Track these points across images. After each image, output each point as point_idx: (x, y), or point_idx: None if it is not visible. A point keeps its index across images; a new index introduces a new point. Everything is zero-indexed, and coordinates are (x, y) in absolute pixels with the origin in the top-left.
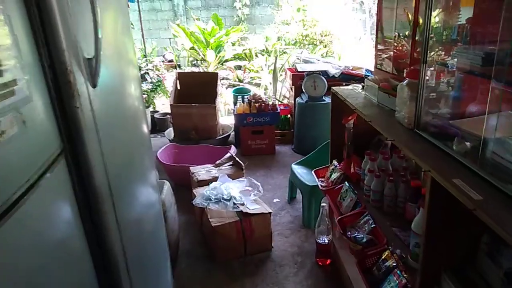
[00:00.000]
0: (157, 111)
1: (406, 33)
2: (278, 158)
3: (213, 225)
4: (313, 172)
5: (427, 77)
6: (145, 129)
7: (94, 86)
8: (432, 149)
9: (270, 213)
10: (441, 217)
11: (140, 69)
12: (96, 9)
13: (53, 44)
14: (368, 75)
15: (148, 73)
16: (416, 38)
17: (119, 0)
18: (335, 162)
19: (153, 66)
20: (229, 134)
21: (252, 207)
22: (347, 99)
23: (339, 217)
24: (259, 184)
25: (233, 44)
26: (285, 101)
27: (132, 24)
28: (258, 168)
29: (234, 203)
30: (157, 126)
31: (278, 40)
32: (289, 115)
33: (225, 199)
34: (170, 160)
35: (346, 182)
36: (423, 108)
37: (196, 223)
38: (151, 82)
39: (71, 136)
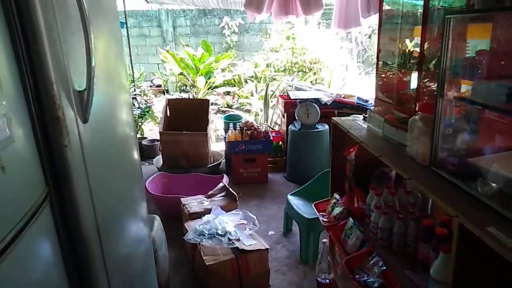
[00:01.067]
0: (145, 138)
1: (407, 64)
2: (271, 186)
3: (207, 263)
4: (313, 205)
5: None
6: (136, 157)
7: (85, 121)
8: (453, 189)
9: (267, 249)
10: (471, 265)
11: None
12: (90, 36)
13: (40, 76)
14: (360, 104)
15: (136, 98)
16: (423, 69)
17: (112, 25)
18: (336, 196)
19: (140, 91)
20: (220, 162)
21: (248, 243)
22: (350, 130)
23: (346, 258)
24: (254, 217)
25: (223, 70)
26: (277, 128)
27: None
28: (251, 198)
29: (229, 239)
30: (145, 153)
31: (267, 66)
32: (281, 142)
33: (220, 234)
34: (159, 190)
35: (351, 218)
36: (439, 144)
37: (187, 260)
38: (139, 108)
39: (57, 177)
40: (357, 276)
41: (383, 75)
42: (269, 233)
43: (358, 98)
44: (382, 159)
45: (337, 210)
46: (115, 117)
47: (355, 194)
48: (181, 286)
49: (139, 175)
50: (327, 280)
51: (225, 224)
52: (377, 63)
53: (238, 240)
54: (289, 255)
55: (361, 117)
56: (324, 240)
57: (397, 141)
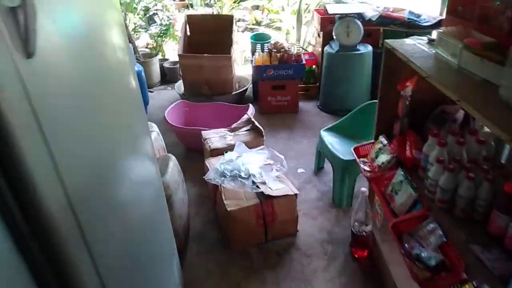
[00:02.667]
0: (167, 59)
1: None
2: (301, 117)
3: (228, 209)
4: (352, 149)
5: None
6: (134, 85)
7: (28, 55)
8: None
9: (296, 194)
10: None
11: (148, 10)
12: None
13: None
14: (412, 19)
15: (157, 14)
16: None
17: None
18: (382, 139)
19: (162, 6)
20: (246, 89)
21: (275, 187)
22: (411, 59)
23: (394, 222)
24: (282, 157)
25: None
26: (310, 49)
27: None
28: (279, 129)
29: (253, 182)
30: (167, 76)
31: None
32: (314, 66)
33: (243, 177)
34: (180, 121)
35: (401, 170)
36: None
37: (209, 197)
38: (160, 25)
39: None
40: (406, 245)
41: None
42: (298, 170)
43: (410, 12)
44: (463, 105)
45: (383, 157)
46: (100, 41)
47: (408, 139)
48: (202, 226)
49: (138, 107)
50: (364, 232)
51: (249, 165)
52: None
53: (264, 183)
54: (320, 196)
55: (425, 39)
56: (363, 188)
57: (482, 77)
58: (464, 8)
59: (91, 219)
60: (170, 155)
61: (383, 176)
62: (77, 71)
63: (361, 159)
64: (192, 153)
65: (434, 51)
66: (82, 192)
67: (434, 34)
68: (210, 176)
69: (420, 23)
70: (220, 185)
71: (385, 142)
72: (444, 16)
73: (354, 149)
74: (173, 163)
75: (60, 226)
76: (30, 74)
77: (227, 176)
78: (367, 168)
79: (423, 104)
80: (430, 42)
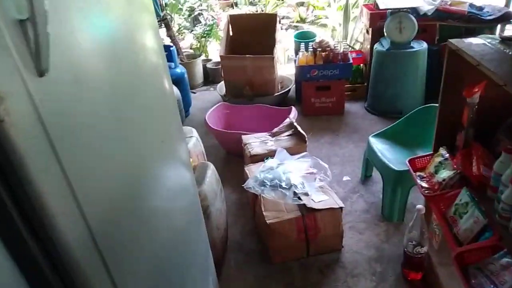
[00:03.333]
0: (210, 60)
1: None
2: (347, 119)
3: (268, 221)
4: (407, 162)
5: None
6: (168, 89)
7: (41, 73)
8: None
9: (341, 208)
10: None
11: (193, 10)
12: None
13: None
14: (473, 13)
15: (202, 14)
16: None
17: None
18: (443, 152)
19: (207, 6)
20: (289, 90)
21: (318, 199)
22: (482, 62)
23: (458, 251)
24: (326, 166)
25: None
26: (357, 47)
27: None
28: (323, 133)
29: (295, 193)
30: (210, 77)
31: None
32: (362, 65)
33: (283, 187)
34: (221, 123)
35: (466, 190)
36: None
37: (249, 205)
38: (205, 25)
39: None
40: (473, 281)
41: None
42: (344, 178)
43: (470, 5)
44: None
45: (445, 173)
46: (131, 48)
47: (474, 153)
48: (240, 237)
49: (173, 114)
50: (418, 254)
51: (290, 174)
52: None
53: (306, 194)
54: (368, 208)
55: (497, 37)
56: (419, 206)
57: None
58: None
59: (117, 252)
60: (208, 163)
61: (445, 196)
62: (102, 84)
63: (418, 173)
64: (232, 157)
65: (510, 52)
66: (105, 223)
67: (499, 29)
68: (250, 184)
69: (482, 17)
70: (260, 195)
71: (447, 155)
72: (509, 8)
73: (409, 161)
74: (211, 172)
75: (82, 264)
76: (42, 94)
77: (267, 186)
78: (425, 185)
79: (492, 113)
80: (505, 41)
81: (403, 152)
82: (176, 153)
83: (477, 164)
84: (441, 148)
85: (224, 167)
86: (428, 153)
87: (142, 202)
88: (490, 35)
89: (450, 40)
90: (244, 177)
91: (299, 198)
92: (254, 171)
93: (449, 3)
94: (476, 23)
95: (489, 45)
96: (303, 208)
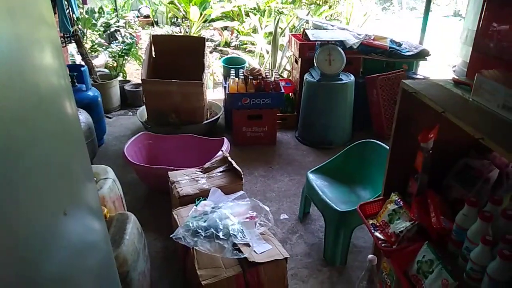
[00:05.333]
0: (128, 81)
1: None
2: (280, 150)
3: (203, 282)
4: (358, 208)
5: None
6: (72, 116)
7: None
8: None
9: (286, 258)
10: None
11: (109, 26)
12: None
13: None
14: (394, 48)
15: (119, 31)
16: None
17: None
18: (396, 198)
19: (125, 23)
20: (218, 117)
21: (260, 249)
22: (449, 110)
23: None
24: (267, 209)
25: (220, 0)
26: (285, 75)
27: None
28: (256, 164)
29: (234, 244)
30: (128, 100)
31: None
32: (291, 94)
33: (221, 238)
34: (142, 156)
35: (428, 246)
36: None
37: (178, 255)
38: (122, 42)
39: None
40: None
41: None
42: (281, 217)
43: (391, 41)
44: None
45: (401, 224)
46: (22, 68)
47: (431, 202)
48: None
49: (77, 146)
50: None
51: (227, 221)
52: None
53: (247, 245)
54: (309, 251)
55: (449, 81)
56: (371, 256)
57: None
58: (499, 46)
59: None
60: (127, 213)
61: (405, 250)
62: None
63: (370, 221)
64: (156, 194)
65: (470, 99)
66: None
67: (420, 64)
68: (180, 234)
69: (402, 53)
70: (192, 248)
71: (400, 202)
72: (423, 46)
73: (360, 207)
74: (131, 225)
75: None
76: None
77: (201, 236)
78: (380, 236)
79: (442, 156)
80: (456, 84)
81: (343, 189)
82: (82, 201)
83: (436, 214)
84: (393, 195)
85: (146, 207)
86: (378, 198)
87: (31, 267)
88: (443, 79)
89: (404, 81)
90: (171, 221)
91: (239, 251)
92: (185, 216)
93: (372, 38)
94: (396, 58)
95: (447, 88)
96: (244, 262)
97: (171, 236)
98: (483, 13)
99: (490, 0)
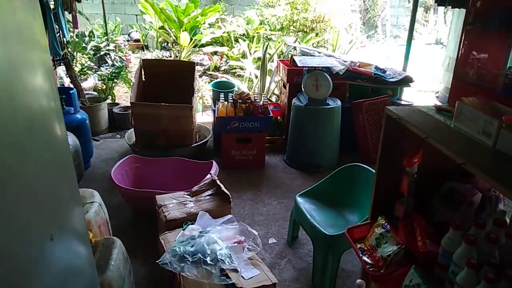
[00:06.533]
0: (117, 104)
1: None
2: (268, 173)
3: None
4: (346, 232)
5: None
6: (61, 139)
7: None
8: None
9: (274, 284)
10: None
11: (99, 50)
12: None
13: None
14: (378, 75)
15: (109, 54)
16: None
17: None
18: (383, 222)
19: (115, 47)
20: (207, 140)
21: (248, 275)
22: (431, 136)
23: None
24: (255, 233)
25: (211, 26)
26: (274, 99)
27: None
28: (244, 188)
29: (222, 269)
30: (117, 122)
31: (261, 24)
32: (279, 118)
33: (208, 263)
34: (129, 179)
35: (415, 270)
36: None
37: (164, 281)
38: (112, 65)
39: None
40: None
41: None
42: (270, 241)
43: (375, 67)
44: None
45: (388, 248)
46: (18, 88)
47: (417, 226)
48: None
49: (65, 169)
50: None
51: (215, 246)
52: (465, 21)
53: (235, 271)
54: (297, 276)
55: (432, 107)
56: (359, 281)
57: None
58: (478, 73)
59: None
60: (114, 238)
61: (392, 275)
62: None
63: (358, 245)
64: (142, 218)
65: (452, 125)
66: None
67: (404, 90)
68: (166, 260)
69: (386, 79)
70: (179, 274)
71: (388, 226)
72: (407, 73)
73: (347, 231)
74: (117, 251)
75: None
76: None
77: (188, 262)
78: (368, 260)
79: (427, 179)
80: (441, 112)
81: (331, 213)
82: (69, 225)
83: (422, 238)
84: (380, 218)
85: (132, 232)
86: (365, 221)
87: None
88: (425, 105)
89: (389, 108)
90: (157, 246)
91: (227, 276)
92: (171, 241)
93: (358, 65)
94: (381, 84)
95: (429, 115)
96: None
97: (157, 261)
98: (462, 42)
99: (468, 30)
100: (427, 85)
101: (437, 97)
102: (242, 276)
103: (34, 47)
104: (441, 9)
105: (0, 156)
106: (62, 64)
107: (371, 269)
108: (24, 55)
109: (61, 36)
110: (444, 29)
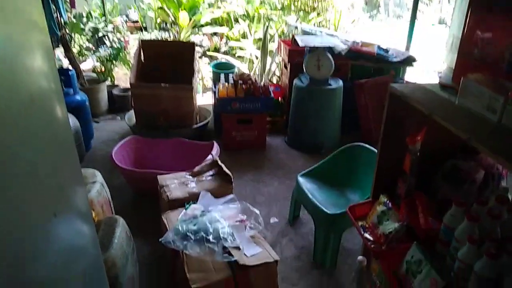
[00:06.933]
0: (116, 86)
1: None
2: (269, 154)
3: (193, 286)
4: (348, 210)
5: None
6: (62, 120)
7: None
8: None
9: (276, 261)
10: None
11: (97, 31)
12: None
13: None
14: (381, 54)
15: (107, 36)
16: None
17: None
18: (385, 200)
19: (113, 28)
20: (208, 122)
21: (251, 252)
22: (435, 113)
23: None
24: (257, 212)
25: (210, 6)
26: (275, 80)
27: None
28: (245, 169)
29: (224, 247)
30: (116, 104)
31: (262, 4)
32: (281, 99)
33: (211, 241)
34: (130, 160)
35: (417, 246)
36: None
37: (166, 259)
38: (111, 47)
39: None
40: None
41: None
42: (271, 220)
43: (378, 47)
44: None
45: (390, 225)
46: (17, 67)
47: (419, 203)
48: None
49: (67, 150)
50: None
51: (217, 224)
52: None
53: (237, 248)
54: (299, 254)
55: (436, 85)
56: (360, 257)
57: None
58: (483, 51)
59: None
60: (116, 217)
61: (393, 251)
62: None
63: (359, 222)
64: (143, 199)
65: (456, 101)
66: None
67: (407, 70)
68: (169, 238)
69: (388, 59)
70: (182, 252)
71: (389, 204)
72: (410, 52)
73: (349, 209)
74: (120, 229)
75: None
76: None
77: (191, 240)
78: (369, 237)
79: (430, 157)
80: (445, 88)
81: (332, 193)
82: (72, 204)
83: (424, 215)
84: (382, 196)
85: (133, 212)
86: (366, 200)
87: (20, 270)
88: (429, 83)
89: (393, 84)
90: (160, 226)
91: (230, 254)
92: (174, 220)
93: (360, 45)
94: (384, 64)
95: (432, 91)
96: (234, 265)
97: (160, 240)
98: (467, 19)
99: (474, 9)
100: (430, 65)
101: (440, 77)
102: (245, 254)
103: (33, 28)
104: None
105: (1, 132)
106: (59, 45)
107: (372, 246)
108: (23, 36)
109: (59, 16)
110: (448, 9)
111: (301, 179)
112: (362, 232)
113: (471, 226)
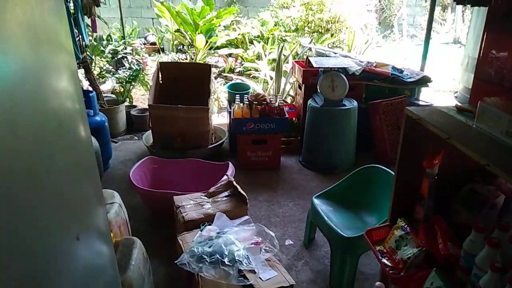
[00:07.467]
0: (135, 106)
1: None
2: (284, 175)
3: None
4: (365, 234)
5: None
6: (86, 141)
7: None
8: None
9: (292, 285)
10: None
11: (117, 53)
12: None
13: None
14: (396, 75)
15: (126, 57)
16: None
17: None
18: (403, 224)
19: (132, 50)
20: (223, 142)
21: (266, 276)
22: (453, 137)
23: None
24: (272, 234)
25: (226, 28)
26: (289, 100)
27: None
28: (260, 189)
29: (239, 270)
30: (134, 125)
31: (276, 25)
32: (295, 119)
33: (226, 264)
34: (148, 180)
35: (437, 273)
36: None
37: (181, 282)
38: (129, 68)
39: None
40: None
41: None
42: (286, 242)
43: (393, 67)
44: None
45: (408, 251)
46: (47, 91)
47: (438, 228)
48: None
49: (90, 171)
50: None
51: (233, 246)
52: (487, 20)
53: (252, 272)
54: (314, 278)
55: (451, 107)
56: (378, 283)
57: None
58: (500, 73)
59: None
60: (134, 238)
61: (413, 277)
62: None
63: (377, 247)
64: (159, 219)
65: (474, 125)
66: None
67: (423, 90)
68: (185, 260)
69: (403, 79)
70: (197, 275)
71: (407, 228)
72: (424, 72)
73: (366, 233)
74: (137, 251)
75: None
76: None
77: (206, 262)
78: (388, 263)
79: (448, 181)
80: (459, 111)
81: (348, 215)
82: (93, 225)
83: (444, 241)
84: (399, 220)
85: (150, 232)
86: (384, 224)
87: None
88: (446, 106)
89: (408, 108)
90: (176, 247)
91: (245, 277)
92: (189, 241)
93: (374, 65)
94: (398, 84)
95: (449, 115)
96: None
97: (176, 262)
98: (483, 41)
99: (490, 29)
100: (445, 85)
101: (456, 97)
102: (260, 277)
103: (60, 50)
104: (459, 7)
105: (32, 156)
106: (81, 67)
107: (391, 272)
108: (52, 58)
109: (81, 40)
110: (462, 28)
111: (316, 201)
112: (380, 258)
113: (492, 252)
